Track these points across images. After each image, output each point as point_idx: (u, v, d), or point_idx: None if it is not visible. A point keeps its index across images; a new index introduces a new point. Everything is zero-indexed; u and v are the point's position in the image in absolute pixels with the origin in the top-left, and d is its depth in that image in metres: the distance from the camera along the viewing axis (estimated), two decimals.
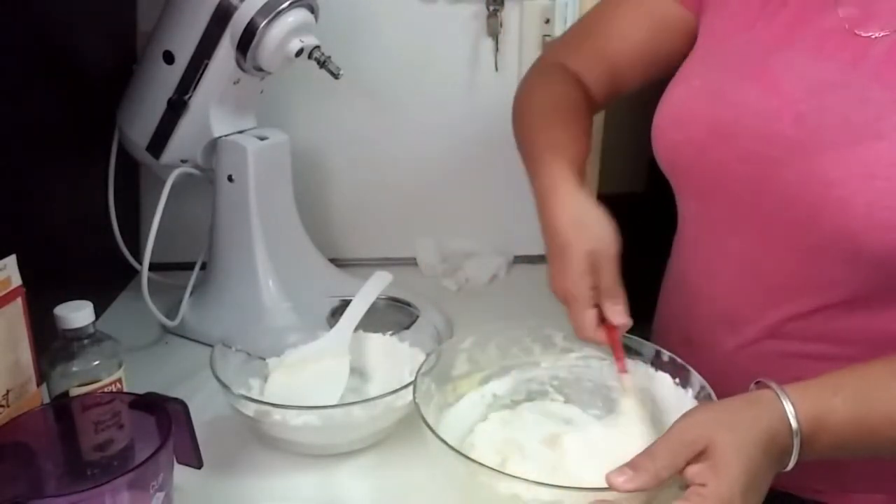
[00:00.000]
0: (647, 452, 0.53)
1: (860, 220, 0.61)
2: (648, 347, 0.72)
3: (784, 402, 0.54)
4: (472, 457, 0.58)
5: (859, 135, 0.62)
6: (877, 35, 0.63)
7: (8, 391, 0.63)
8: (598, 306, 0.67)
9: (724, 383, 0.64)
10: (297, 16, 0.85)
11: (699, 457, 0.52)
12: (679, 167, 0.75)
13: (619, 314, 0.67)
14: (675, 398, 0.68)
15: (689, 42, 0.79)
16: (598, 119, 1.19)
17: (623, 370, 0.69)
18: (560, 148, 0.75)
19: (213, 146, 0.93)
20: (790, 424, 0.54)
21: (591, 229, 0.68)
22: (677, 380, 0.69)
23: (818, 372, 0.59)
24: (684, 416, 0.55)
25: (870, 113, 0.62)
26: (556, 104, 0.81)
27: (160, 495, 0.58)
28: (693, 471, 0.51)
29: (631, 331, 0.70)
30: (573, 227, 0.68)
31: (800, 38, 0.67)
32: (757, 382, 0.58)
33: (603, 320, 0.68)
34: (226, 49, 0.86)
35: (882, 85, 0.62)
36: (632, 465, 0.52)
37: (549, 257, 0.70)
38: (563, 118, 0.79)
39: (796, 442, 0.54)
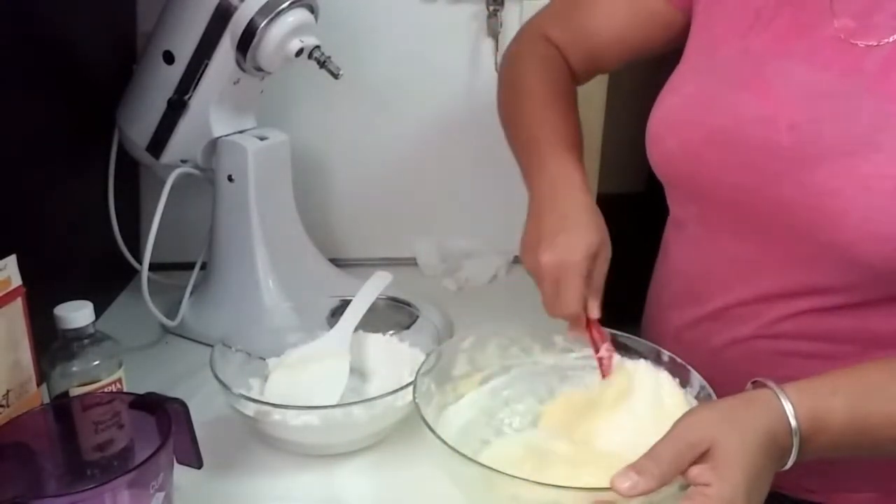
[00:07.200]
0: (650, 455, 0.52)
1: (856, 232, 0.60)
2: (648, 347, 0.72)
3: (783, 402, 0.54)
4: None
5: (855, 146, 0.61)
6: (873, 45, 0.63)
7: (8, 391, 0.63)
8: None
9: (714, 380, 0.64)
10: (297, 16, 0.85)
11: (702, 457, 0.52)
12: (675, 174, 0.75)
13: (597, 308, 0.70)
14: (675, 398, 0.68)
15: (671, 36, 0.79)
16: (598, 119, 1.19)
17: (601, 358, 0.70)
18: (564, 138, 0.77)
19: (213, 146, 0.93)
20: (789, 424, 0.54)
21: (600, 227, 0.70)
22: (677, 379, 0.69)
23: (810, 369, 0.59)
24: (685, 416, 0.55)
25: (866, 124, 0.61)
26: (553, 89, 0.82)
27: (160, 495, 0.58)
28: (696, 471, 0.51)
29: (625, 328, 0.70)
30: (586, 220, 0.70)
31: (795, 48, 0.67)
32: (754, 382, 0.57)
33: None
34: (226, 49, 0.86)
35: (878, 96, 0.61)
36: (636, 468, 0.51)
37: (546, 230, 0.70)
38: (561, 104, 0.81)
39: (795, 441, 0.54)
